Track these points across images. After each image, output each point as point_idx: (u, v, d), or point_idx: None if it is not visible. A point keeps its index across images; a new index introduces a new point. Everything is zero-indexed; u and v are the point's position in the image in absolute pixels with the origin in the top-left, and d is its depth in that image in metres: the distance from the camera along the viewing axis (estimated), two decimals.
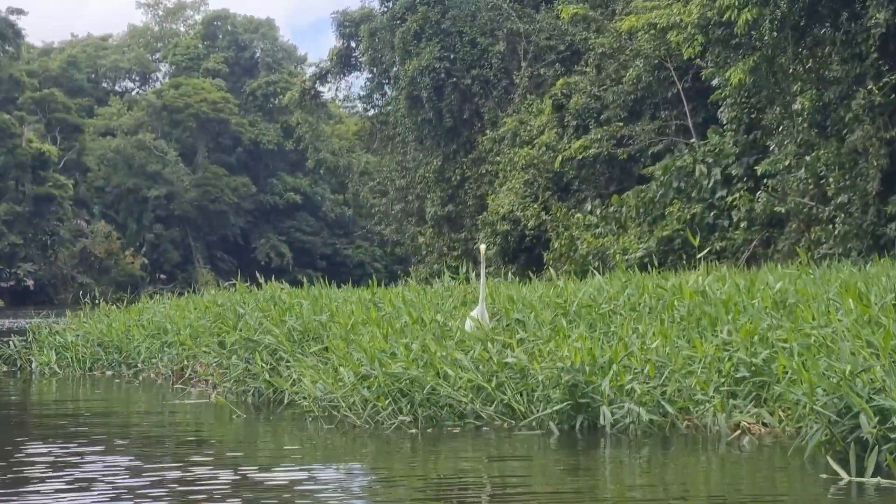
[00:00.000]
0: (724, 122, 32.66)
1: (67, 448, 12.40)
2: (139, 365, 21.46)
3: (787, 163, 28.82)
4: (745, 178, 32.22)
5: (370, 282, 21.20)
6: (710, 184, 33.63)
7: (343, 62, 62.27)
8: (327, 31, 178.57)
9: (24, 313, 54.88)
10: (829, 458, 9.59)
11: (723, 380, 11.69)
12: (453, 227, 54.33)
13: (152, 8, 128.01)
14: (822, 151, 27.52)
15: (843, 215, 26.85)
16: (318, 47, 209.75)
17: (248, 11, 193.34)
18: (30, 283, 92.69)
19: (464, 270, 19.76)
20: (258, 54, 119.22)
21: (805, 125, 27.69)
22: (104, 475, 10.56)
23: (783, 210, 29.28)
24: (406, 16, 52.97)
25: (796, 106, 27.90)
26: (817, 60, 27.42)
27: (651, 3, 36.97)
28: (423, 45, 51.72)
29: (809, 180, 28.57)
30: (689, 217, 33.57)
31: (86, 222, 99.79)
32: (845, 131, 26.46)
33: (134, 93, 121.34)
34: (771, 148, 30.15)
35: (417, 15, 52.18)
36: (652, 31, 36.51)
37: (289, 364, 15.79)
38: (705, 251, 22.32)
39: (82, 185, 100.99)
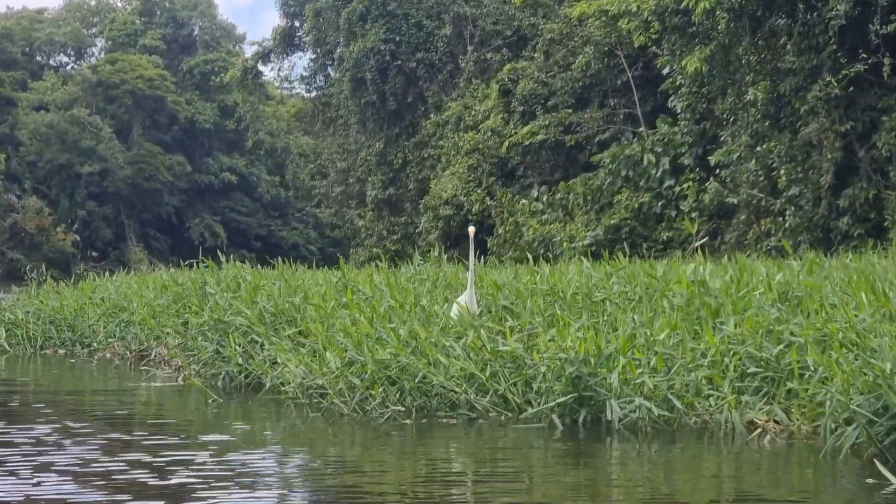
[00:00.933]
0: (679, 111, 32.47)
1: (42, 431, 11.83)
2: (94, 344, 20.87)
3: (739, 154, 28.70)
4: (697, 168, 32.10)
5: (305, 264, 20.80)
6: (659, 173, 33.51)
7: (286, 42, 61.44)
8: (265, 11, 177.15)
9: None
10: (877, 462, 8.98)
11: (734, 375, 11.18)
12: (394, 211, 53.94)
13: None
14: (773, 143, 27.41)
15: (793, 208, 26.75)
16: (257, 27, 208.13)
17: None
18: None
19: (412, 255, 19.30)
20: (196, 32, 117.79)
21: (759, 116, 27.55)
22: (67, 459, 10.13)
23: (735, 201, 29.17)
24: None
25: (749, 97, 27.76)
26: (773, 51, 27.29)
27: None
28: (368, 27, 51.17)
29: (760, 172, 28.47)
30: (637, 206, 33.43)
31: (17, 197, 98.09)
32: (799, 123, 26.34)
33: (69, 67, 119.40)
34: (723, 138, 30.02)
35: None
36: (603, 18, 36.33)
37: (264, 347, 15.21)
38: (701, 241, 21.99)
39: (14, 159, 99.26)
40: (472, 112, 45.87)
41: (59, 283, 26.86)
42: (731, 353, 11.38)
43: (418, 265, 19.26)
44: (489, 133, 43.23)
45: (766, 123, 27.59)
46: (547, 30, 41.40)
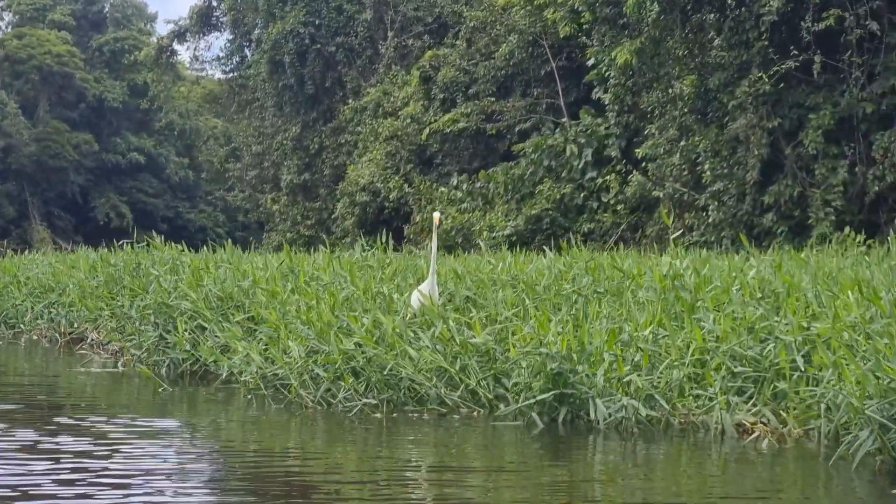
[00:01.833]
0: (606, 102, 32.36)
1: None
2: (21, 326, 20.15)
3: (665, 147, 28.67)
4: (624, 161, 32.03)
5: (214, 246, 20.36)
6: (581, 164, 33.41)
7: (203, 21, 60.45)
8: None
9: None
10: None
11: (724, 374, 10.74)
12: (309, 196, 53.38)
13: None
14: (699, 138, 27.42)
15: (716, 203, 26.77)
16: (170, 6, 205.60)
17: None
18: None
19: (325, 240, 18.80)
20: (107, 9, 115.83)
21: (686, 110, 27.55)
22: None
23: (661, 195, 29.14)
24: None
25: (677, 90, 27.75)
26: (701, 46, 27.28)
27: None
28: (287, 9, 50.54)
29: (685, 166, 28.48)
30: (558, 197, 33.30)
31: None
32: (727, 119, 26.36)
33: None
34: (649, 131, 29.97)
35: None
36: (528, 7, 36.16)
37: (214, 334, 14.58)
38: (678, 233, 21.68)
39: None
40: (392, 98, 45.51)
41: None
42: (717, 350, 10.97)
43: (363, 251, 18.68)
44: (408, 120, 42.89)
45: (693, 118, 27.60)
46: (470, 17, 41.14)
